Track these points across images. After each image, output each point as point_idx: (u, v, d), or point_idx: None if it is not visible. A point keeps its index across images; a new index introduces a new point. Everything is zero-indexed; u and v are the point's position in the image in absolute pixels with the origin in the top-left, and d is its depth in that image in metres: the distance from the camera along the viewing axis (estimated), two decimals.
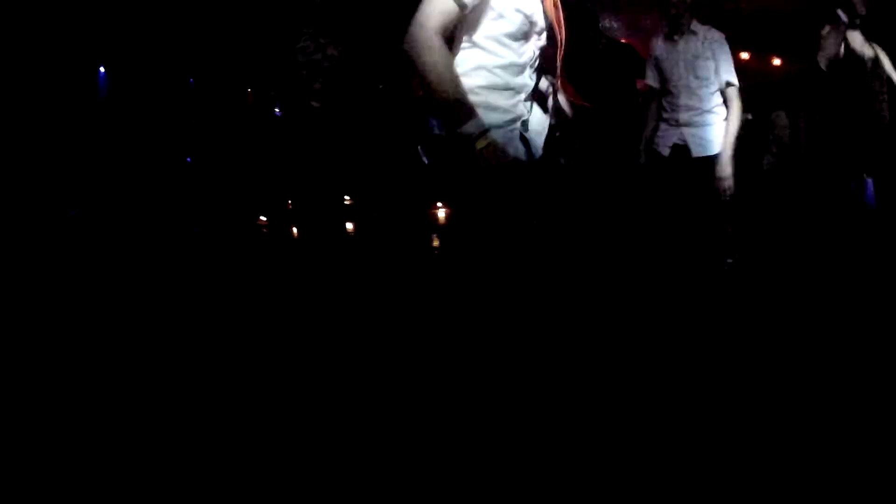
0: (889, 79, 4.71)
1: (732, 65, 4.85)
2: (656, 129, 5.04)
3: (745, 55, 10.05)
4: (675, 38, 4.89)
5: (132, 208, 7.84)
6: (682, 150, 4.91)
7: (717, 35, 4.86)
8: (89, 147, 8.19)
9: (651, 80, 5.05)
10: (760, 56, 10.56)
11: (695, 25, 4.87)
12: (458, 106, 2.40)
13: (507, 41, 2.53)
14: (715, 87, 4.84)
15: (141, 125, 8.54)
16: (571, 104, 2.80)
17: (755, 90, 7.38)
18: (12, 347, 3.97)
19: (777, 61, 10.99)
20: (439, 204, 7.62)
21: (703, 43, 4.83)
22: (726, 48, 4.85)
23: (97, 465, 2.49)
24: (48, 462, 2.52)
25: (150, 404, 3.08)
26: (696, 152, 4.85)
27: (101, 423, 2.87)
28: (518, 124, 2.55)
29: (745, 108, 5.04)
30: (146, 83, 8.79)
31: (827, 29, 4.45)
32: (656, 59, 4.98)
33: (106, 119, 8.62)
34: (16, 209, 7.04)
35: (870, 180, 4.93)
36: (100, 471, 2.47)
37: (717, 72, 4.82)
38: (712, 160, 4.82)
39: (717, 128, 4.87)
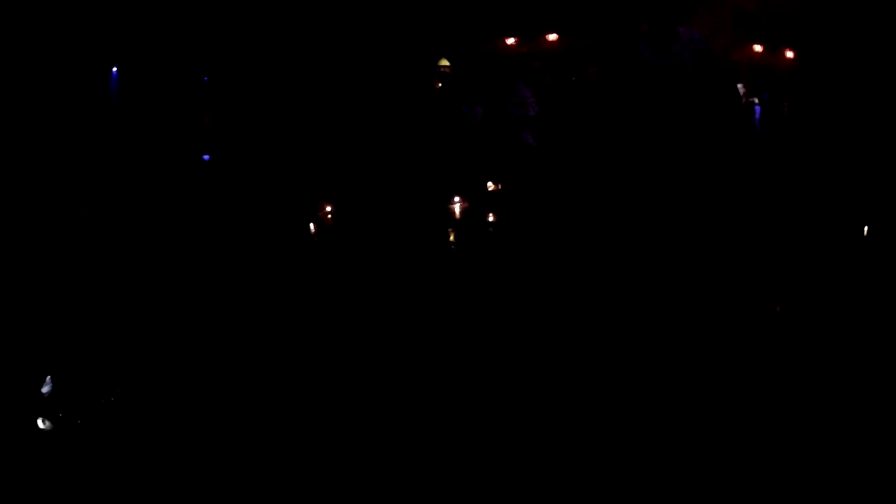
0: None
1: (715, 62, 5.23)
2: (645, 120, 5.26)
3: (757, 47, 10.10)
4: (663, 42, 5.11)
5: (142, 207, 7.90)
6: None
7: (698, 36, 5.25)
8: (101, 145, 8.26)
9: (639, 80, 5.27)
10: (770, 50, 10.63)
11: (680, 31, 5.24)
12: None
13: None
14: (697, 84, 5.12)
15: (153, 123, 8.60)
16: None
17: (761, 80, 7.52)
18: (18, 345, 4.02)
19: (790, 54, 11.02)
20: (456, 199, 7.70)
21: (688, 46, 5.15)
22: (709, 47, 5.24)
23: (108, 460, 2.52)
24: (53, 459, 2.56)
25: (150, 403, 3.11)
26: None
27: (109, 421, 2.90)
28: None
29: (749, 94, 5.56)
30: (159, 81, 8.84)
31: None
32: (645, 61, 5.19)
33: (117, 117, 8.69)
34: (26, 207, 7.12)
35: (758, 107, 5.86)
36: (105, 469, 2.50)
37: (701, 71, 5.12)
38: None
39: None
